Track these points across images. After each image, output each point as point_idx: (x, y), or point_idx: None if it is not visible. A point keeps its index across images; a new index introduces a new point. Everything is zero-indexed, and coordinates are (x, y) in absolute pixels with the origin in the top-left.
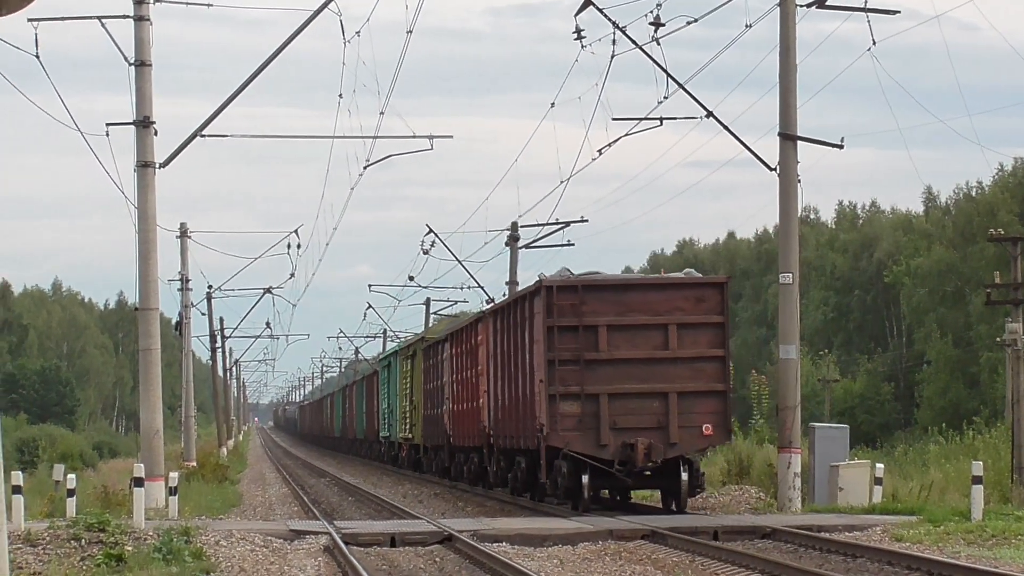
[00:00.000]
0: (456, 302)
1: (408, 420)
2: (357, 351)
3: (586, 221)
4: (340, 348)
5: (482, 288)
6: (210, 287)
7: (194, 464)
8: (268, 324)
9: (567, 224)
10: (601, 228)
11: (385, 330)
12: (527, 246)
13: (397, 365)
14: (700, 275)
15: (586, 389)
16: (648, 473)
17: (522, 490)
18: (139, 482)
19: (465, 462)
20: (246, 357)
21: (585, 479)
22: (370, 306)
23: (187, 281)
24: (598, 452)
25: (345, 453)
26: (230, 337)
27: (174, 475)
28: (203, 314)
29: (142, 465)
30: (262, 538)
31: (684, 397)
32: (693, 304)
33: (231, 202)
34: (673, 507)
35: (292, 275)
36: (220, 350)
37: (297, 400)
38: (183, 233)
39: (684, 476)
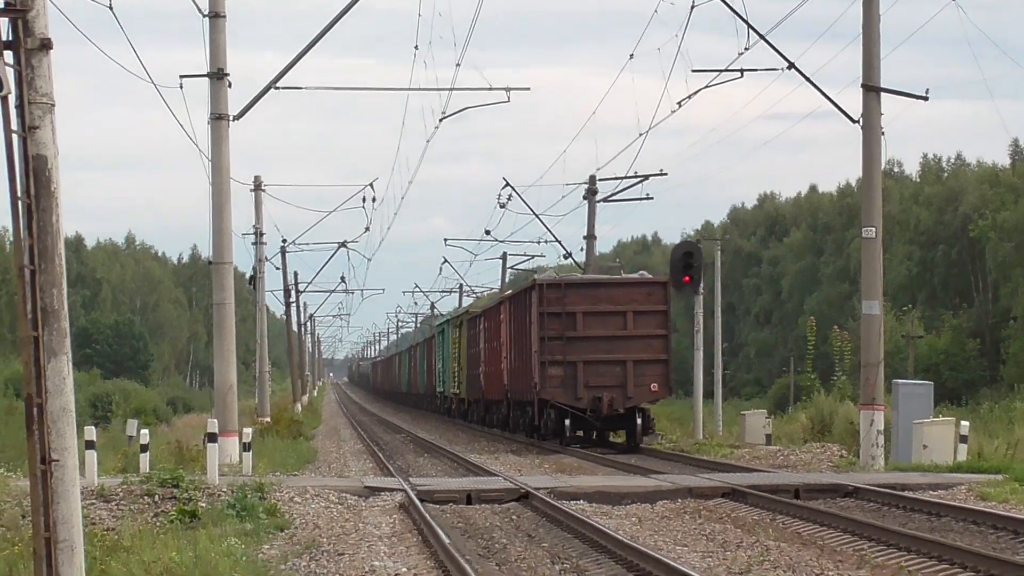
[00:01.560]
0: (532, 256)
1: (456, 378)
2: (433, 306)
3: (665, 175)
4: (415, 303)
5: (559, 243)
6: (284, 241)
7: (268, 420)
8: (343, 278)
9: (645, 178)
10: (680, 182)
11: (461, 285)
12: (605, 200)
13: (449, 331)
14: (650, 276)
15: (567, 358)
16: (615, 418)
17: (529, 432)
18: (213, 438)
19: (495, 411)
20: (321, 312)
21: (567, 422)
22: (446, 260)
23: (261, 235)
24: (575, 403)
25: (411, 407)
26: (304, 291)
27: (248, 431)
28: (277, 268)
29: (216, 421)
30: (337, 495)
31: (638, 364)
32: (645, 297)
33: (305, 156)
34: (632, 444)
35: (367, 229)
36: (294, 304)
37: (371, 356)
38: (257, 186)
39: (639, 421)
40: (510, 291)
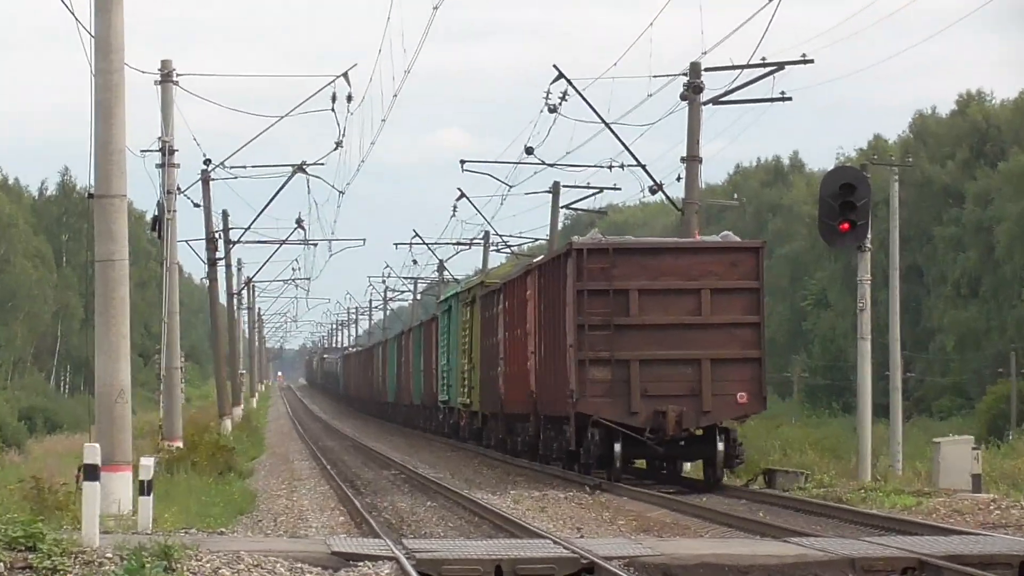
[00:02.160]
0: (600, 190)
1: (467, 382)
2: (441, 266)
3: (810, 62)
4: (415, 262)
5: (643, 167)
6: (208, 163)
7: (180, 445)
8: (299, 222)
9: (779, 67)
10: (833, 73)
11: (487, 234)
12: (715, 101)
13: (456, 311)
14: (737, 239)
15: (616, 354)
16: (682, 443)
17: (567, 462)
18: (92, 473)
19: (520, 432)
20: (264, 275)
21: (617, 447)
22: (462, 195)
23: (172, 153)
24: (629, 419)
25: (401, 426)
26: (240, 241)
27: (148, 462)
28: (196, 205)
29: (97, 446)
30: (288, 566)
31: (717, 364)
32: (727, 268)
33: (242, 31)
34: (711, 479)
35: (339, 145)
36: (223, 263)
37: (342, 345)
38: (166, 77)
39: (720, 446)
40: (540, 257)
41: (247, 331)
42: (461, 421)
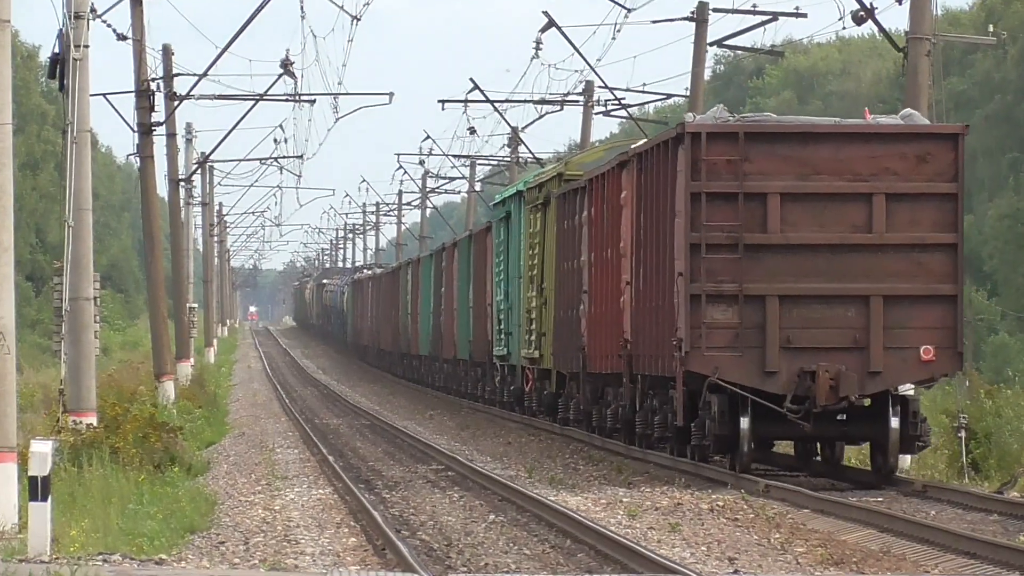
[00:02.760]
0: (773, 16)
1: (535, 327)
2: (516, 136)
3: (803, 15)
4: (472, 131)
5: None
6: None
7: (93, 422)
8: (287, 65)
9: (772, 16)
10: None
11: (589, 84)
12: (719, 43)
13: (521, 218)
14: (924, 120)
15: (747, 288)
16: (843, 416)
17: (676, 444)
18: None
19: (610, 402)
20: (230, 151)
21: (744, 423)
22: (551, 22)
23: None
24: (763, 383)
25: (438, 392)
26: (190, 95)
27: (43, 448)
28: (122, 37)
29: None
30: None
31: (894, 303)
32: (913, 165)
33: None
34: (883, 468)
35: None
36: (165, 131)
37: (355, 264)
38: None
39: (894, 422)
40: (644, 141)
41: (202, 241)
42: (527, 385)
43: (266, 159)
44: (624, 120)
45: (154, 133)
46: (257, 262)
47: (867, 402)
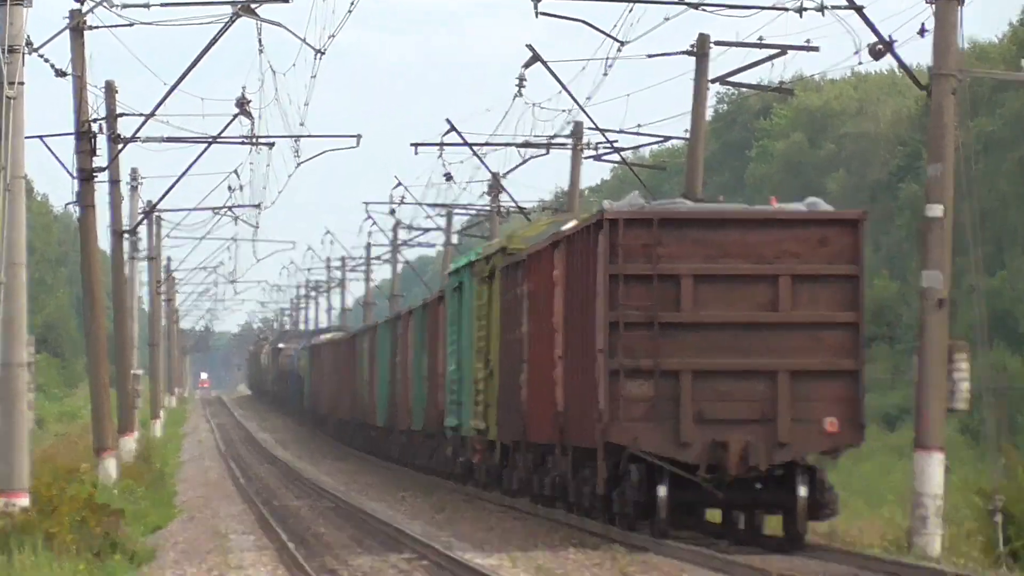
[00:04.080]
0: (782, 50)
1: (482, 397)
2: (496, 183)
3: (815, 49)
4: (449, 178)
5: (859, 11)
6: None
7: (25, 502)
8: (243, 104)
9: (781, 51)
10: None
11: (577, 126)
12: (722, 80)
13: (471, 289)
14: (827, 207)
15: (662, 364)
16: (760, 485)
17: (602, 509)
18: None
19: (549, 470)
20: (179, 200)
21: (662, 491)
22: (535, 57)
23: None
24: (677, 452)
25: (398, 463)
26: (135, 137)
27: None
28: (61, 73)
29: None
30: None
31: (799, 378)
32: (814, 248)
33: None
34: (792, 532)
35: None
36: (108, 177)
37: (317, 326)
38: None
39: (802, 491)
40: (572, 223)
41: (148, 299)
42: (475, 457)
43: (220, 208)
44: (616, 165)
45: (95, 179)
46: (209, 324)
47: (779, 471)
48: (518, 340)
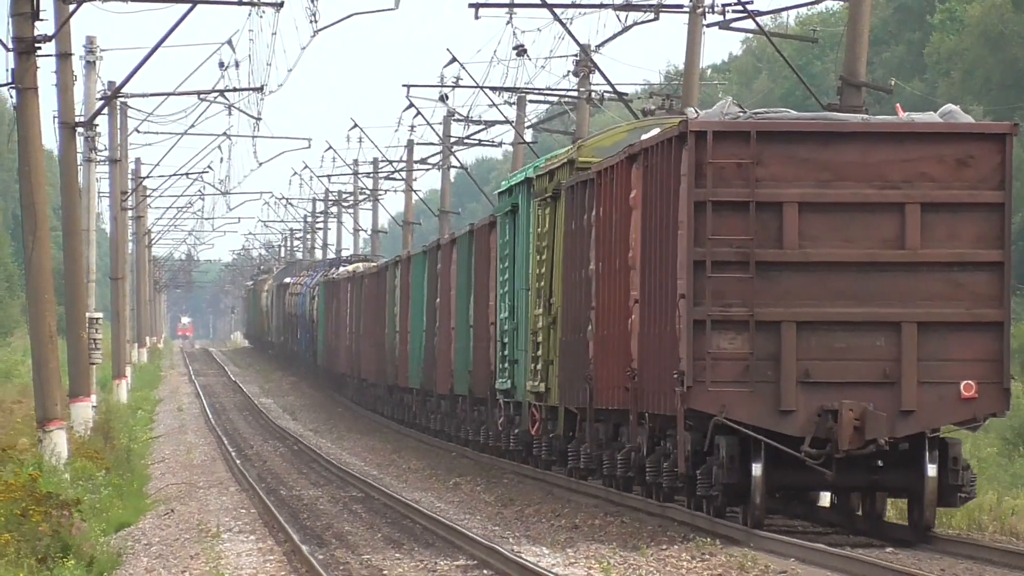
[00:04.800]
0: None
1: (541, 353)
2: (523, 103)
3: None
4: (449, 107)
5: None
6: None
7: None
8: None
9: None
10: None
11: (581, 62)
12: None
13: (528, 213)
14: (968, 118)
15: (759, 314)
16: (880, 463)
17: (672, 490)
18: None
19: (620, 444)
20: (152, 81)
21: (757, 470)
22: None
23: None
24: (777, 423)
25: (437, 435)
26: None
27: None
28: None
29: None
30: None
31: (930, 331)
32: (952, 169)
33: None
34: (919, 522)
35: None
36: (55, 50)
37: (331, 256)
38: None
39: (931, 470)
40: (655, 129)
41: (110, 217)
42: (533, 427)
43: (208, 93)
44: (750, 35)
45: (39, 52)
46: (193, 250)
47: (904, 444)
48: (587, 281)
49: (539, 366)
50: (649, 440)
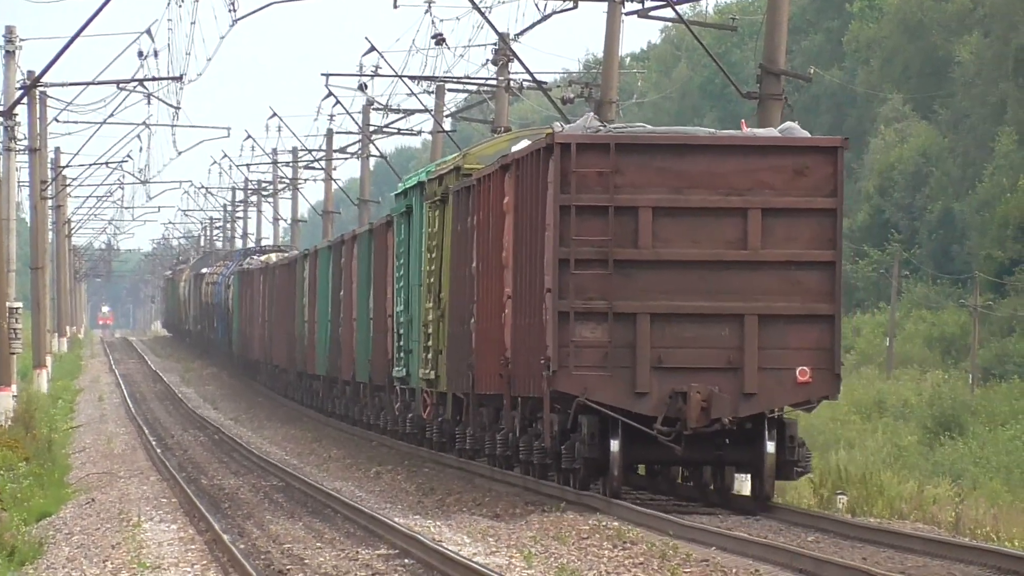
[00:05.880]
0: None
1: (432, 343)
2: (442, 91)
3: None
4: (368, 96)
5: None
6: None
7: None
8: None
9: None
10: None
11: (500, 50)
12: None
13: (420, 214)
14: (804, 132)
15: (617, 306)
16: (720, 439)
17: (543, 467)
18: None
19: (498, 426)
20: (72, 68)
21: (615, 446)
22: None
23: None
24: (633, 404)
25: (343, 420)
26: None
27: None
28: None
29: None
30: None
31: (770, 323)
32: (790, 179)
33: None
34: (760, 494)
35: None
36: None
37: (241, 250)
38: None
39: (770, 447)
40: (525, 141)
41: (29, 206)
42: (425, 411)
43: (127, 82)
44: (669, 23)
45: None
46: (113, 240)
47: (734, 424)
48: (470, 278)
49: (430, 355)
50: (521, 422)
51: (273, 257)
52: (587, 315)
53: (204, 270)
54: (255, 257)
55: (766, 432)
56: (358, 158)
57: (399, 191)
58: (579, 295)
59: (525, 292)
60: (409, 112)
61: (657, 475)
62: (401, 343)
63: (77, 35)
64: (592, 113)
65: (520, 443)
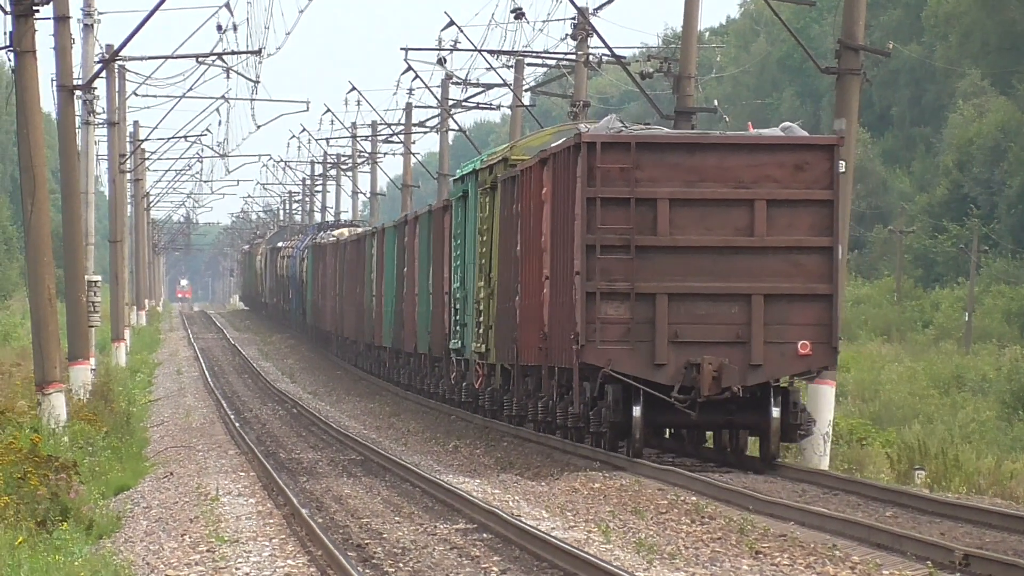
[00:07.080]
0: None
1: (483, 319)
2: (521, 66)
3: None
4: (447, 70)
5: None
6: None
7: None
8: None
9: None
10: None
11: (578, 25)
12: None
13: (474, 200)
14: (805, 132)
15: (638, 287)
16: (729, 405)
17: (574, 430)
18: None
19: (537, 395)
20: (151, 43)
21: (637, 412)
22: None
23: None
24: (651, 374)
25: (408, 388)
26: None
27: None
28: None
29: None
30: None
31: (774, 301)
32: (791, 173)
33: None
34: (766, 456)
35: None
36: (57, 20)
37: (317, 225)
38: None
39: (775, 412)
40: (563, 138)
41: (108, 180)
42: (478, 381)
43: (206, 56)
44: None
45: (37, 15)
46: (191, 213)
47: (743, 392)
48: (515, 260)
49: (481, 329)
50: (558, 390)
51: (345, 232)
52: (611, 295)
53: (280, 244)
54: (328, 232)
55: (771, 399)
56: (437, 132)
57: (457, 176)
58: (604, 277)
59: (560, 274)
60: (488, 86)
61: (683, 439)
62: (457, 318)
63: (156, 8)
64: (614, 115)
65: (557, 409)
